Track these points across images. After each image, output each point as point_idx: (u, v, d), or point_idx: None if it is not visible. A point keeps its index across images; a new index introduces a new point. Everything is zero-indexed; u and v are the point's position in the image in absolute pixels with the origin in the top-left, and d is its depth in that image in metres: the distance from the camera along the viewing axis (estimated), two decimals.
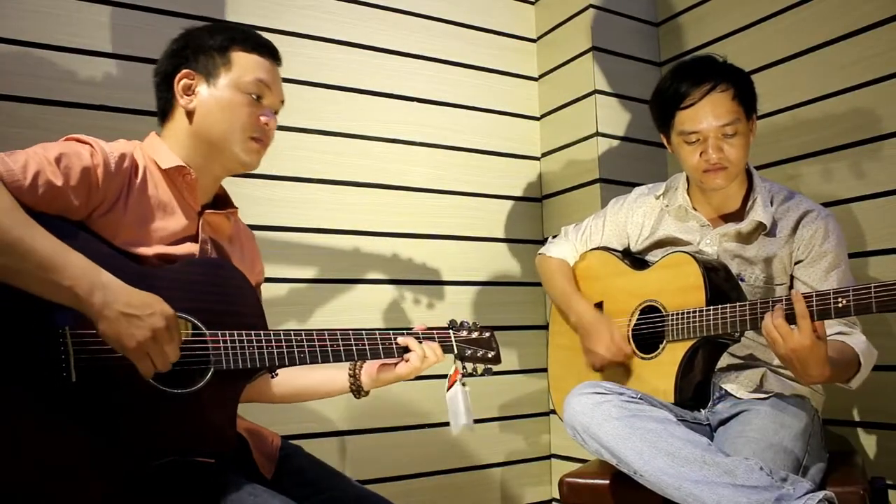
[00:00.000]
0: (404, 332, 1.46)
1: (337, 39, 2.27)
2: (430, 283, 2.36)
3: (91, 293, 1.07)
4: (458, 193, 2.45)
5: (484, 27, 2.58)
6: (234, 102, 1.34)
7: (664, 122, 1.74)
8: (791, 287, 1.70)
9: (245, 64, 1.35)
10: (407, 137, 2.37)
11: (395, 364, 1.46)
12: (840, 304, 1.37)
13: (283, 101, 1.43)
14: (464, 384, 1.49)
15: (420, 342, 1.45)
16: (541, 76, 2.68)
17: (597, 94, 2.44)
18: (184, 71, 1.34)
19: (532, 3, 2.71)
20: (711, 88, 1.64)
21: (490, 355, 1.54)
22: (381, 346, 1.41)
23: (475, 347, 1.53)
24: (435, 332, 1.51)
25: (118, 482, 1.14)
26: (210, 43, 1.35)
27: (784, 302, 1.44)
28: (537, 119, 2.67)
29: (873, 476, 1.63)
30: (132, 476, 1.15)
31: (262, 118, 1.37)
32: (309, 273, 2.15)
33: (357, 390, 1.52)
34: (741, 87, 1.66)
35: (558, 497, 1.69)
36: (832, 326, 1.60)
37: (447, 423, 1.50)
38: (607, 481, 1.59)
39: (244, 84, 1.34)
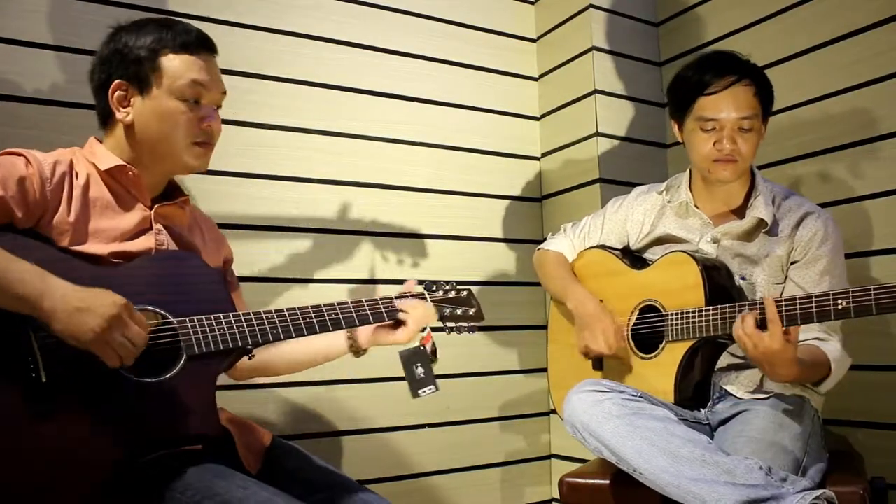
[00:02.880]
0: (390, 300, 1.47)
1: (337, 39, 2.27)
2: None
3: (41, 298, 1.08)
4: (458, 193, 2.45)
5: (484, 27, 2.58)
6: (172, 110, 1.32)
7: (681, 108, 1.74)
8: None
9: (176, 67, 1.33)
10: (407, 137, 2.37)
11: (390, 327, 1.49)
12: (840, 306, 1.37)
13: (224, 93, 1.40)
14: (422, 347, 1.48)
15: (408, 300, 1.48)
16: (541, 76, 2.68)
17: (597, 94, 2.44)
18: (116, 82, 1.33)
19: (532, 3, 2.71)
20: (736, 81, 1.65)
21: (471, 312, 1.53)
22: (355, 314, 1.42)
23: (454, 306, 1.52)
24: (410, 296, 1.50)
25: (105, 474, 1.14)
26: (137, 49, 1.32)
27: (758, 306, 1.46)
28: (537, 119, 2.67)
29: (873, 476, 1.63)
30: (119, 467, 1.15)
31: (204, 122, 1.36)
32: (309, 273, 2.15)
33: (356, 350, 1.55)
34: (763, 86, 1.68)
35: (558, 497, 1.69)
36: (810, 331, 1.61)
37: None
38: (607, 481, 1.59)
39: (178, 89, 1.32)
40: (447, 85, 2.47)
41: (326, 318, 1.38)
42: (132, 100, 1.33)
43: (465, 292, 1.56)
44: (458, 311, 1.52)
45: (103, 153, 1.34)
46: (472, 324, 1.53)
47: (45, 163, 1.26)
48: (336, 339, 1.55)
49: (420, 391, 1.45)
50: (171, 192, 1.44)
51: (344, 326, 1.41)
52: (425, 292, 1.52)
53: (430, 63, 2.44)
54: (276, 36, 2.15)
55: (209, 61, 1.38)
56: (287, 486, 1.31)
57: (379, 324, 1.49)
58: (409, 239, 2.34)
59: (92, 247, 1.25)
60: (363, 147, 2.28)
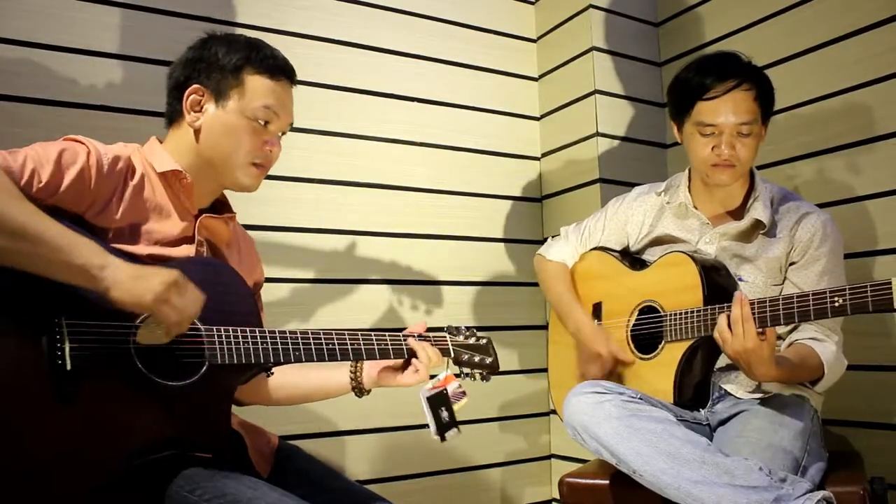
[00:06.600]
0: (400, 334, 1.47)
1: (337, 39, 2.27)
2: (430, 283, 2.36)
3: (103, 268, 1.10)
4: (458, 193, 2.45)
5: (484, 27, 2.58)
6: (240, 128, 1.34)
7: (681, 111, 1.72)
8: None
9: (256, 88, 1.35)
10: (407, 137, 2.37)
11: (397, 368, 1.48)
12: (836, 304, 1.37)
13: (291, 124, 1.43)
14: (444, 391, 1.46)
15: (423, 343, 1.46)
16: (541, 76, 2.68)
17: (597, 94, 2.44)
18: (194, 86, 1.34)
19: (532, 3, 2.71)
20: (736, 85, 1.63)
21: (488, 361, 1.54)
22: (376, 347, 1.42)
23: (472, 353, 1.53)
24: (432, 336, 1.50)
25: (113, 470, 1.14)
26: (225, 60, 1.34)
27: (755, 306, 1.46)
28: (537, 119, 2.67)
29: (873, 476, 1.63)
30: (126, 466, 1.16)
31: (266, 146, 1.37)
32: (309, 273, 2.15)
33: (359, 390, 1.53)
34: (763, 90, 1.66)
35: (558, 497, 1.69)
36: (806, 331, 1.61)
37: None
38: (607, 481, 1.59)
39: (252, 110, 1.34)
40: (447, 85, 2.47)
41: (349, 347, 1.39)
42: (205, 106, 1.34)
43: (485, 340, 1.57)
44: (476, 359, 1.53)
45: (162, 156, 1.35)
46: (487, 372, 1.54)
47: (106, 156, 1.26)
48: (337, 376, 1.53)
49: (446, 434, 1.46)
50: (219, 207, 1.45)
51: (364, 357, 1.42)
52: (446, 335, 1.52)
53: (430, 63, 2.44)
54: (275, 36, 2.15)
55: (287, 90, 1.40)
56: (293, 488, 1.31)
57: (385, 365, 1.49)
58: (408, 239, 2.34)
59: (133, 246, 1.26)
60: (363, 147, 2.28)
